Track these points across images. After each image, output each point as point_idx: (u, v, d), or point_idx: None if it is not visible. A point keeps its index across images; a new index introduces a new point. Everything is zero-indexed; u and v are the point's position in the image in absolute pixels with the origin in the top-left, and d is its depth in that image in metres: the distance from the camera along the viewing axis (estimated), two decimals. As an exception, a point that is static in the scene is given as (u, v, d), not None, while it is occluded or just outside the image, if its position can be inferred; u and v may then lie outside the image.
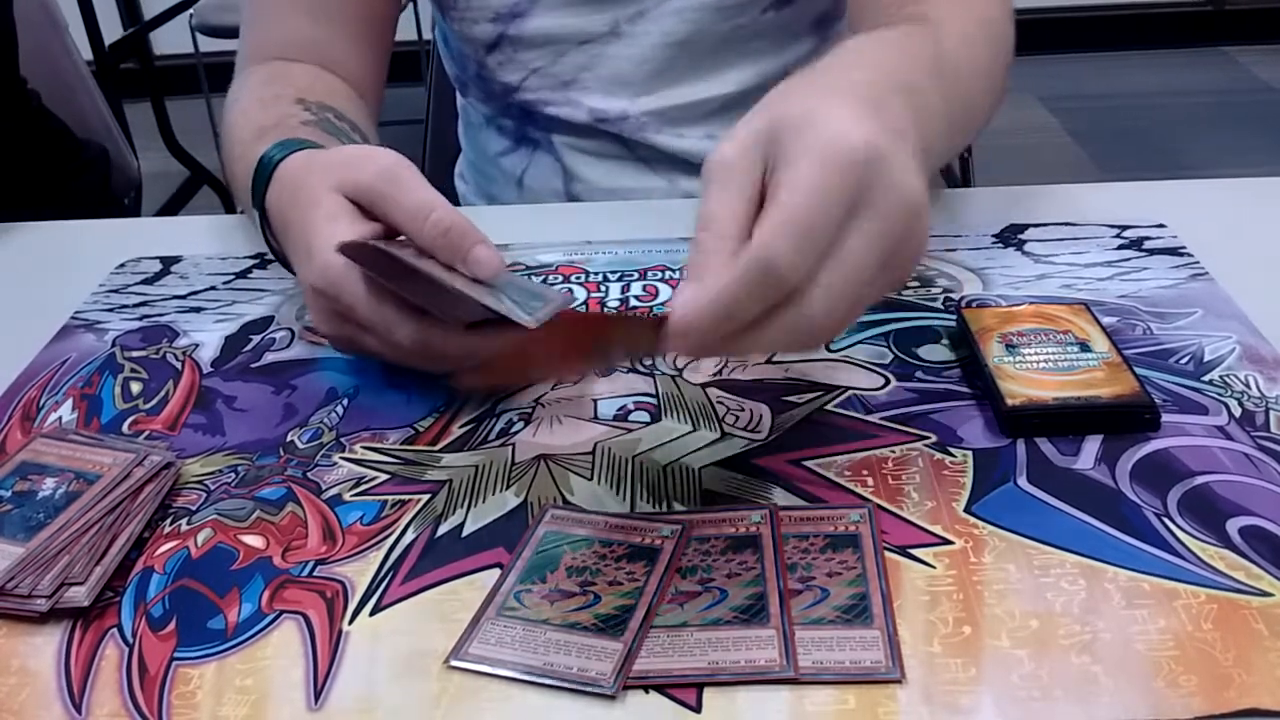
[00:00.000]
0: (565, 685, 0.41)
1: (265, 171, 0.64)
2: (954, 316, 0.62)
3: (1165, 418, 0.53)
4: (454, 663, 0.42)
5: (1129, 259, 0.68)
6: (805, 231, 0.41)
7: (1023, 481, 0.50)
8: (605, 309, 0.64)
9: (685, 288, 0.42)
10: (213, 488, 0.53)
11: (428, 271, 0.52)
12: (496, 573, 0.47)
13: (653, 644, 0.43)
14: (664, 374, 0.60)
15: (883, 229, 0.43)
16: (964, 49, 0.64)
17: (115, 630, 0.45)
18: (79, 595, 0.46)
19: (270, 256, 0.69)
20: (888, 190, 0.43)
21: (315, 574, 0.48)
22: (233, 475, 0.54)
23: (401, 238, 0.56)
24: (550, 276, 0.70)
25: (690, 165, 0.87)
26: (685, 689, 0.41)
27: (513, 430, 0.56)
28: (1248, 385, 0.56)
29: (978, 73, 0.66)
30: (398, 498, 0.52)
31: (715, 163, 0.44)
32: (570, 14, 0.82)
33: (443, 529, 0.50)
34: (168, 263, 0.76)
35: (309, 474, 0.54)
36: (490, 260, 0.53)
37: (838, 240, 0.42)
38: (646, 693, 0.41)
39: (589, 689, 0.41)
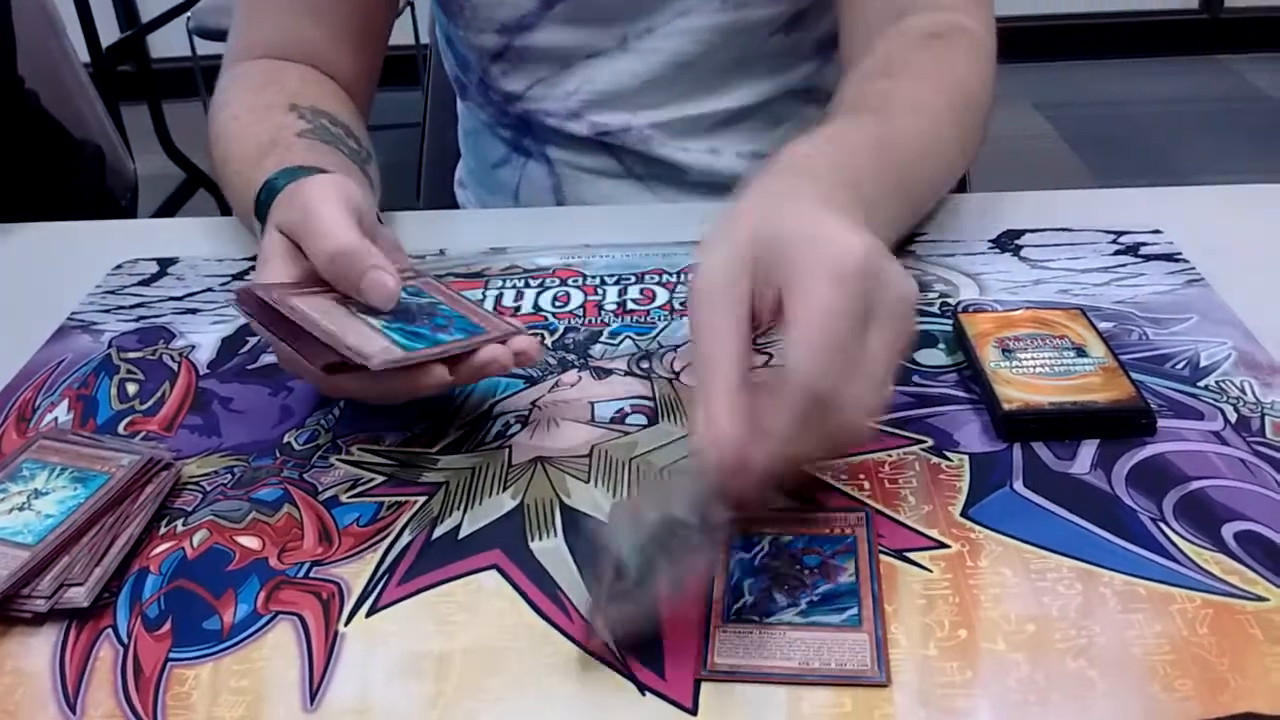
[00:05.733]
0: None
1: (268, 201, 0.63)
2: (950, 321, 0.62)
3: (1161, 423, 0.53)
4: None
5: (1125, 265, 0.68)
6: (835, 351, 0.43)
7: (1019, 486, 0.50)
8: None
9: (713, 421, 0.42)
10: (209, 489, 0.53)
11: (294, 314, 0.51)
12: (494, 574, 0.47)
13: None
14: (661, 378, 0.60)
15: (896, 330, 0.45)
16: (917, 126, 0.65)
17: (110, 630, 0.45)
18: (78, 596, 0.46)
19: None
20: (891, 294, 0.45)
21: (311, 575, 0.48)
22: (229, 476, 0.54)
23: (292, 278, 0.55)
24: (548, 280, 0.70)
25: (688, 181, 0.87)
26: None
27: (510, 432, 0.56)
28: (1243, 391, 0.56)
29: (928, 152, 0.66)
30: (394, 499, 0.52)
31: (703, 288, 0.45)
32: (578, 29, 0.82)
33: (439, 531, 0.50)
34: (164, 264, 0.76)
35: (305, 475, 0.54)
36: (379, 286, 0.52)
37: (859, 350, 0.44)
38: (643, 694, 0.41)
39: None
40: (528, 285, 0.70)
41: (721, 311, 0.44)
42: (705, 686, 0.41)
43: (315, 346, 0.51)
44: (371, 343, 0.51)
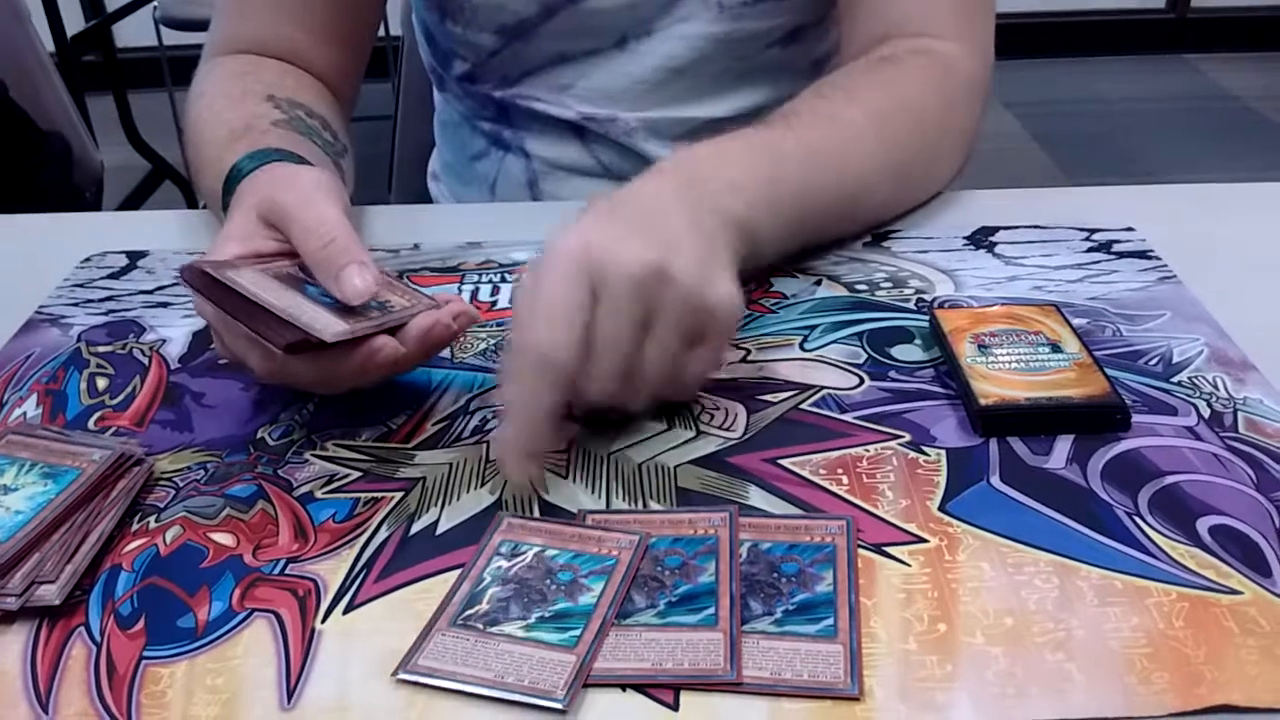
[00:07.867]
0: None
1: (234, 182, 0.63)
2: (926, 317, 0.63)
3: (1135, 418, 0.54)
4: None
5: (1098, 261, 0.69)
6: (530, 312, 0.50)
7: (996, 480, 0.51)
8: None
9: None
10: (181, 485, 0.52)
11: (251, 293, 0.52)
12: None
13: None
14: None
15: (620, 308, 0.50)
16: (818, 135, 0.66)
17: (83, 628, 0.45)
18: (49, 594, 0.45)
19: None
20: (613, 273, 0.50)
21: (287, 572, 0.47)
22: (202, 472, 0.53)
23: (239, 257, 0.56)
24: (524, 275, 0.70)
25: None
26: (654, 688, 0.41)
27: (487, 427, 0.56)
28: (1216, 386, 0.56)
29: (832, 153, 0.66)
30: (370, 495, 0.51)
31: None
32: (579, 37, 0.82)
33: (416, 527, 0.49)
34: (134, 257, 0.75)
35: (280, 471, 0.53)
36: (352, 283, 0.53)
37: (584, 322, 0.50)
38: (624, 691, 0.41)
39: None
40: (504, 280, 0.69)
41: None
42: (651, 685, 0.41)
43: (275, 326, 0.51)
44: (321, 318, 0.51)
